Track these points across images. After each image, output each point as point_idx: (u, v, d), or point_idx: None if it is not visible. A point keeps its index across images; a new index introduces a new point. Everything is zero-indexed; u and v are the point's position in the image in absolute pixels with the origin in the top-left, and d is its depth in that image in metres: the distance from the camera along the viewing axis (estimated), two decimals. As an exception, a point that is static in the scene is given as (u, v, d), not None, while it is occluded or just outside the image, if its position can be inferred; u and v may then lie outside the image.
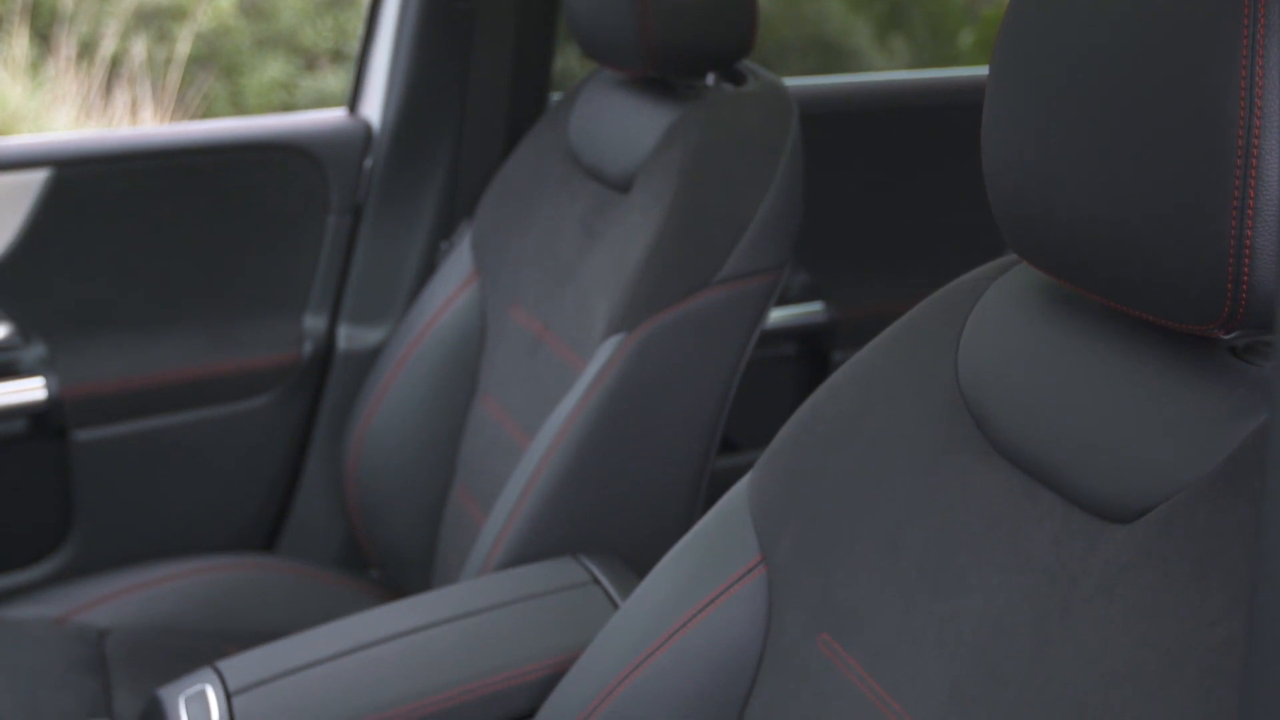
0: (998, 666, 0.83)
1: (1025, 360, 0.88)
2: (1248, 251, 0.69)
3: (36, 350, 1.76)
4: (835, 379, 1.03)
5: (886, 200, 2.23)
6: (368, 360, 1.88)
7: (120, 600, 1.68)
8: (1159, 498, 0.77)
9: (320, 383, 1.93)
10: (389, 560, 1.72)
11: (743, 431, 2.06)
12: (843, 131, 2.16)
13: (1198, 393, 0.78)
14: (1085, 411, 0.82)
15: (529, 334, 1.56)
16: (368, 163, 1.90)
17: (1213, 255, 0.70)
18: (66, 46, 4.21)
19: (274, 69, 4.43)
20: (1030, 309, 0.90)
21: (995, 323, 0.92)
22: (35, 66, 4.25)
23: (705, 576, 1.04)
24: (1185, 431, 0.78)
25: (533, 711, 1.14)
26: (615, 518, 1.37)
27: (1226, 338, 0.74)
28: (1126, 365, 0.82)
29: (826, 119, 2.10)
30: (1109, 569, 0.78)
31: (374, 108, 1.92)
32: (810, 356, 2.22)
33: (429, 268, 1.91)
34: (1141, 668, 0.74)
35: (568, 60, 2.33)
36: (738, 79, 1.52)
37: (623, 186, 1.50)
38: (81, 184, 1.74)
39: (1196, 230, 0.70)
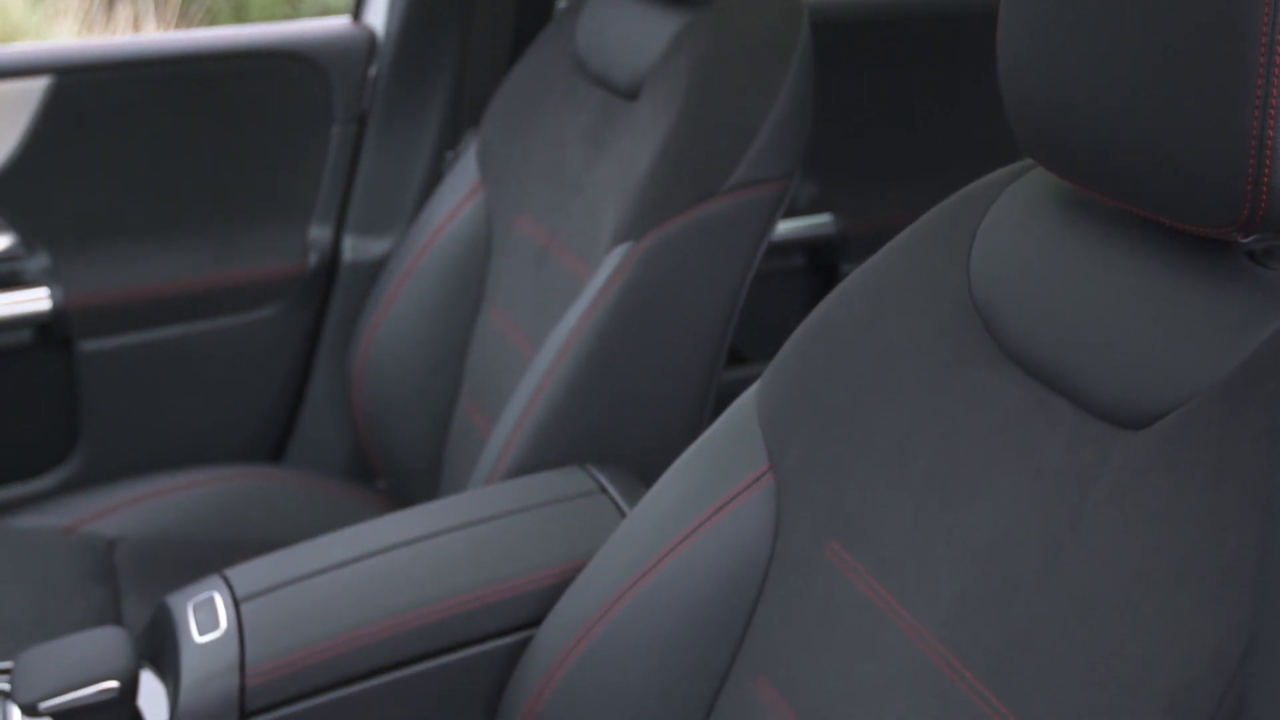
0: (1007, 574, 0.82)
1: (1039, 266, 0.86)
2: (1269, 152, 0.67)
3: (40, 260, 1.75)
4: (845, 286, 1.02)
5: (898, 112, 2.21)
6: (373, 271, 1.87)
7: (128, 510, 1.69)
8: (1173, 403, 0.77)
9: (325, 294, 1.92)
10: (396, 471, 1.72)
11: (750, 344, 2.06)
12: (854, 41, 2.13)
13: (1214, 298, 0.77)
14: (1099, 317, 0.81)
15: (535, 244, 1.54)
16: (372, 71, 1.87)
17: (1233, 155, 0.68)
18: (67, -42, 4.17)
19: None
20: (1044, 214, 0.88)
21: (1009, 228, 0.90)
22: (36, -21, 4.21)
23: (713, 485, 1.04)
24: (1200, 336, 0.77)
25: (540, 619, 1.14)
26: (622, 427, 1.37)
27: (1244, 241, 0.73)
28: (1142, 270, 0.81)
29: (838, 28, 2.07)
30: (1121, 476, 0.78)
31: (378, 15, 1.89)
32: (819, 269, 2.20)
33: (434, 178, 1.89)
34: (1153, 574, 0.74)
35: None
36: (747, -16, 1.49)
37: (630, 94, 1.47)
38: (83, 92, 1.72)
39: (1217, 130, 0.69)
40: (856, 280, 1.01)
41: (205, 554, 1.62)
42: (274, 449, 1.95)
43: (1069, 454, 0.81)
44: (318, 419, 1.93)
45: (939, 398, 0.91)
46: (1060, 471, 0.81)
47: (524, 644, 1.14)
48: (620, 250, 1.34)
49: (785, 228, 2.13)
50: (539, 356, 1.38)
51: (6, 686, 1.15)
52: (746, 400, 1.07)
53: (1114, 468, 0.78)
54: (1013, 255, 0.89)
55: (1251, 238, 0.71)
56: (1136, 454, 0.78)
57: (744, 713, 0.98)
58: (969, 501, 0.86)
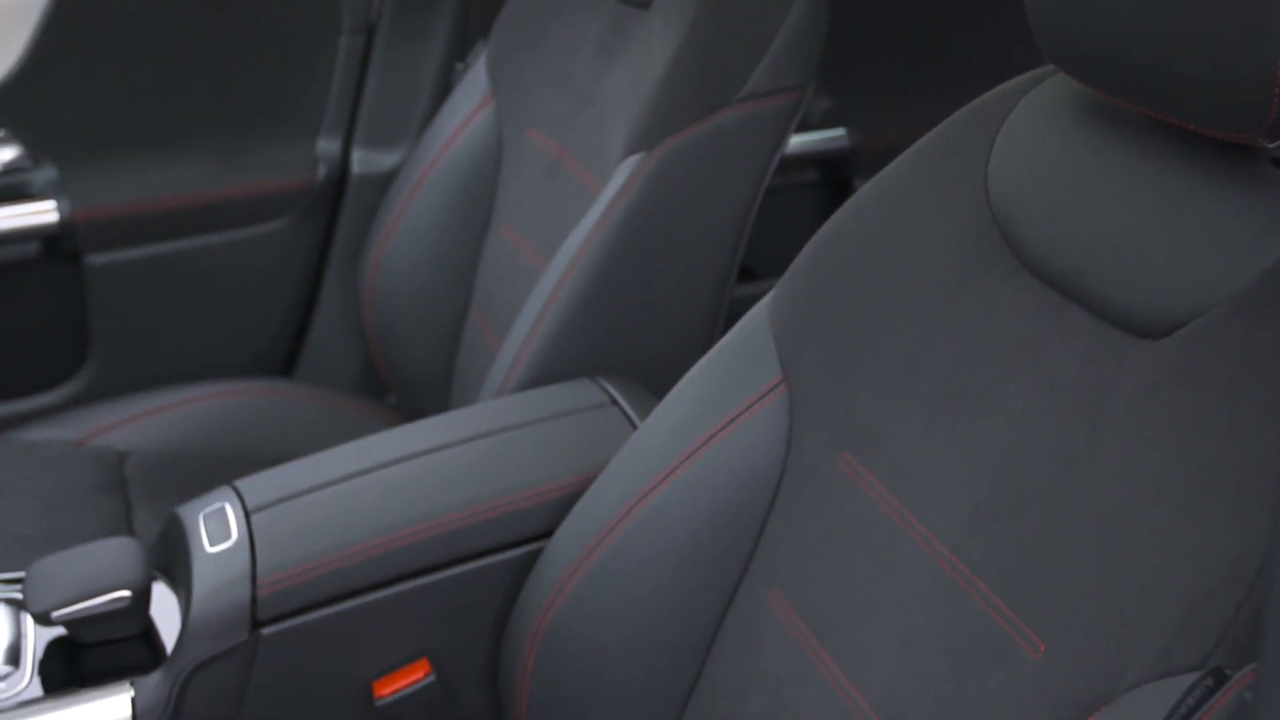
0: (1021, 487, 0.82)
1: (1058, 173, 0.85)
2: (1299, 53, 0.66)
3: (47, 173, 1.73)
4: (860, 195, 1.00)
5: (913, 25, 2.18)
6: (383, 185, 1.86)
7: (138, 424, 1.69)
8: (1192, 313, 0.76)
9: (334, 208, 1.90)
10: (406, 385, 1.71)
11: (762, 261, 2.04)
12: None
13: (1237, 205, 0.76)
14: (1120, 224, 0.80)
15: (546, 156, 1.53)
16: (380, -19, 1.85)
17: (1260, 57, 0.67)
18: None
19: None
20: (1065, 121, 0.87)
21: (1028, 136, 0.89)
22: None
23: (725, 396, 1.03)
24: (1222, 245, 0.75)
25: (551, 531, 1.14)
26: (633, 341, 1.36)
27: (1270, 147, 0.71)
28: (1164, 177, 0.79)
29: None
30: (1139, 387, 0.77)
31: (386, -77, 1.87)
32: (831, 184, 2.18)
33: (444, 90, 1.87)
34: (1171, 487, 0.73)
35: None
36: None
37: (642, 3, 1.45)
38: (89, 2, 1.70)
39: (1244, 31, 0.67)
40: (871, 190, 1.00)
41: (215, 467, 1.62)
42: (284, 364, 1.94)
43: (1085, 365, 0.80)
44: (327, 333, 1.93)
45: (954, 308, 0.90)
46: (1076, 383, 0.80)
47: (534, 556, 1.14)
48: (632, 161, 1.33)
49: (798, 142, 2.10)
50: (549, 269, 1.36)
51: (19, 596, 1.16)
52: (759, 311, 1.06)
53: (1131, 379, 0.77)
54: (1031, 164, 0.88)
55: (1277, 143, 0.70)
56: (1154, 365, 0.77)
57: (755, 624, 0.98)
58: (983, 413, 0.86)
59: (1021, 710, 0.77)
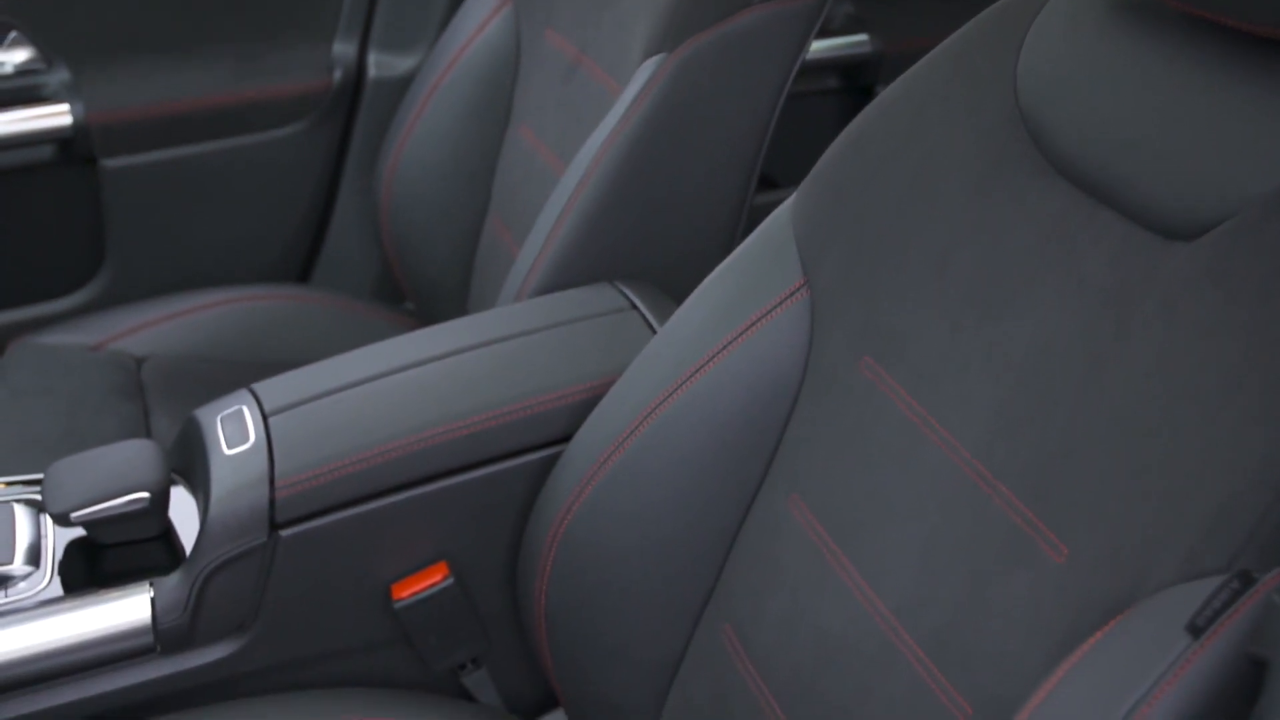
0: (1047, 390, 0.81)
1: (1089, 71, 0.83)
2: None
3: (61, 75, 1.72)
4: (885, 96, 0.99)
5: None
6: (399, 88, 1.84)
7: (156, 329, 1.68)
8: (1225, 213, 0.74)
9: (351, 112, 1.88)
10: (424, 292, 1.70)
11: (783, 169, 2.02)
12: None
13: (1271, 104, 0.74)
14: (1151, 124, 0.78)
15: (564, 58, 1.51)
16: (395, -122, 1.82)
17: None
18: None
19: None
20: (1095, 19, 0.85)
21: (1058, 33, 0.87)
22: None
23: (746, 300, 1.02)
24: (1255, 144, 0.74)
25: (569, 435, 1.13)
26: (653, 245, 1.34)
27: (1311, 41, 0.70)
28: (1197, 75, 0.77)
29: None
30: (1169, 288, 0.76)
31: None
32: (853, 90, 2.15)
33: (461, -9, 1.84)
34: (1200, 388, 0.72)
35: None
36: None
37: (663, -100, 1.42)
38: None
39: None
40: (897, 89, 0.98)
41: (233, 373, 1.62)
42: (301, 269, 1.93)
43: (1115, 266, 0.79)
44: (344, 239, 1.92)
45: (980, 210, 0.88)
46: (1105, 284, 0.79)
47: (553, 460, 1.13)
48: (652, 63, 1.31)
49: (819, 47, 2.07)
50: (568, 173, 1.35)
51: (38, 497, 1.16)
52: (781, 214, 1.05)
53: (1162, 280, 0.76)
54: (1061, 62, 0.86)
55: (1318, 37, 0.68)
56: (1185, 265, 0.75)
57: (774, 529, 0.98)
58: (1009, 316, 0.84)
59: (1043, 614, 0.77)
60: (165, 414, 1.55)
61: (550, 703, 1.26)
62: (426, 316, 1.73)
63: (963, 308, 0.88)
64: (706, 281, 1.09)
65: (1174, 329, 0.74)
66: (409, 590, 1.14)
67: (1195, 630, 0.66)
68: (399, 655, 1.17)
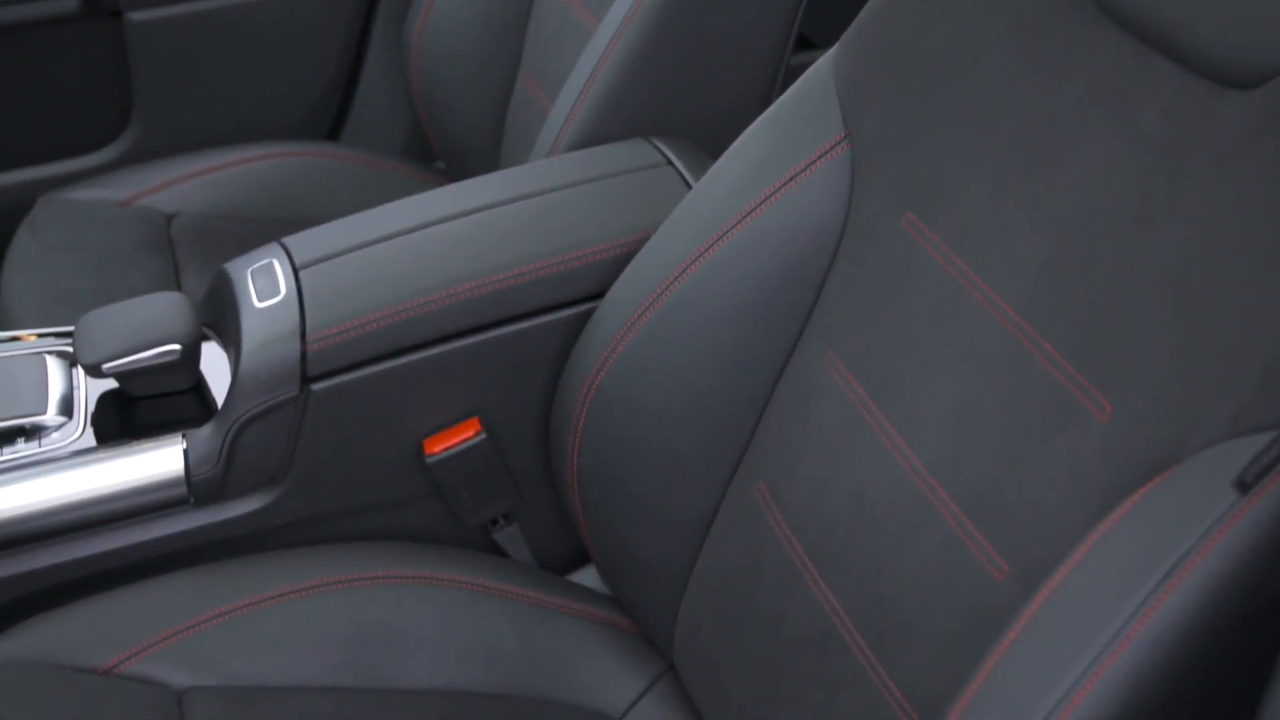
0: (1095, 245, 0.79)
1: (1150, -88, 0.80)
2: None
3: (85, -75, 1.69)
4: (933, -58, 0.95)
5: None
6: None
7: (185, 185, 1.67)
8: (1288, 60, 0.71)
9: (381, -36, 1.85)
10: (455, 150, 1.68)
11: (820, 29, 1.98)
12: None
13: (1342, -54, 0.71)
14: (1214, -34, 0.75)
15: (599, -91, 1.46)
16: None
17: None
18: None
19: None
20: None
21: (1117, -128, 0.83)
22: None
23: (785, 154, 1.00)
24: (1325, -13, 0.71)
25: (603, 291, 1.12)
26: (688, 101, 1.31)
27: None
28: (1264, -85, 0.74)
29: None
30: (1226, 138, 0.73)
31: None
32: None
33: None
34: (1255, 241, 0.70)
35: None
36: None
37: None
38: None
39: None
40: (945, -65, 0.95)
41: (262, 229, 1.61)
42: (330, 127, 1.91)
43: (1170, 117, 0.77)
44: (374, 96, 1.89)
45: (1028, 60, 0.86)
46: (1159, 135, 0.77)
47: (586, 316, 1.12)
48: (689, -86, 1.27)
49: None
50: (602, 27, 1.32)
51: (70, 349, 1.16)
52: (822, 67, 1.02)
53: (1219, 130, 0.74)
54: (1119, -96, 0.82)
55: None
56: (1244, 115, 0.73)
57: (810, 386, 0.97)
58: (1057, 169, 0.82)
59: (1084, 472, 0.75)
60: (195, 271, 1.54)
61: (581, 559, 1.26)
62: (457, 175, 1.71)
63: (1009, 161, 0.85)
64: (744, 136, 1.06)
65: (1231, 179, 0.72)
66: (441, 445, 1.13)
67: (1243, 486, 0.65)
68: (431, 511, 1.18)
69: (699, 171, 1.20)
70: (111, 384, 1.13)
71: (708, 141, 1.30)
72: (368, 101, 1.90)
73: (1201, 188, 0.73)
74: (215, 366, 1.14)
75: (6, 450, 1.07)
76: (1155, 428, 0.72)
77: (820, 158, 0.98)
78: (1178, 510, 0.67)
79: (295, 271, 1.12)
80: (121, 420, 1.11)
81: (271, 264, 1.14)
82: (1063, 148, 0.82)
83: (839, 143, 0.97)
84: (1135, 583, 0.65)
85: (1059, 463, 0.77)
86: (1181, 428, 0.71)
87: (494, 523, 1.20)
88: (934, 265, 0.89)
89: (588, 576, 1.25)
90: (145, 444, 1.08)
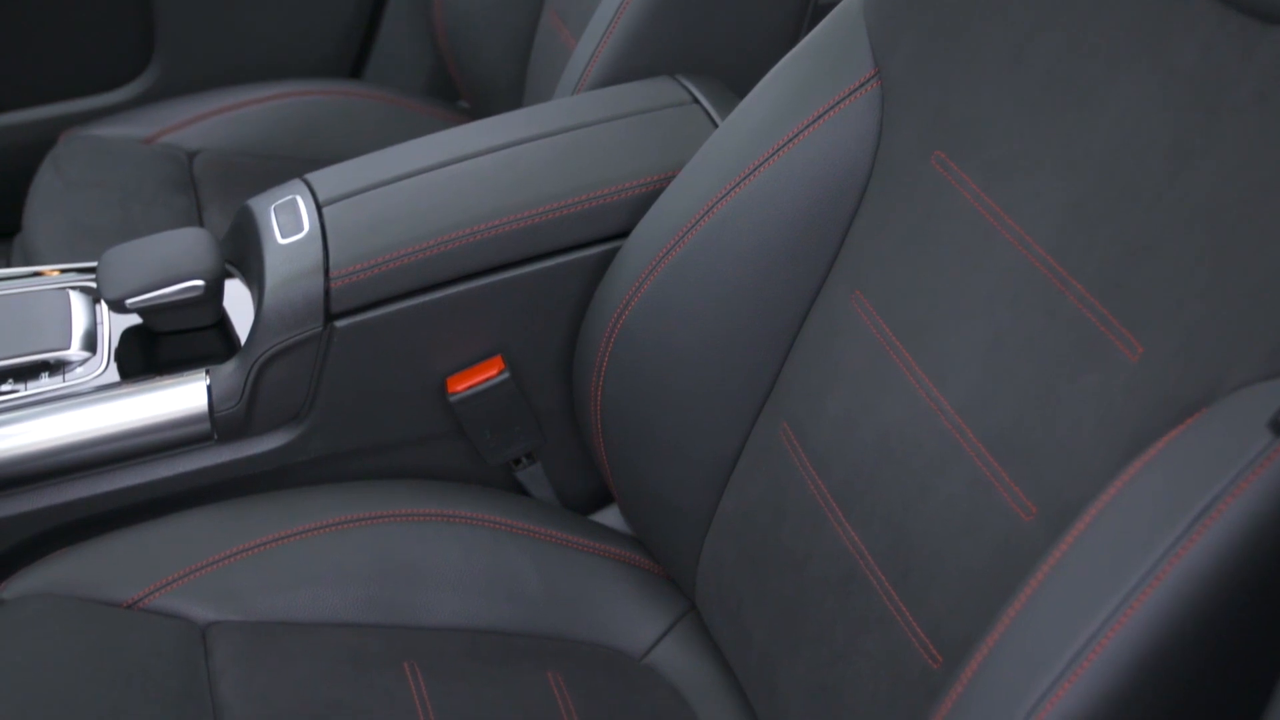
0: (1128, 183, 0.77)
1: None
2: None
3: None
4: (967, -126, 0.93)
5: None
6: None
7: (208, 122, 1.66)
8: (1331, -5, 0.70)
9: (405, -101, 1.83)
10: (478, 88, 1.67)
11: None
12: None
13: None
14: (1256, -102, 0.74)
15: None
16: None
17: None
18: None
19: None
20: None
21: None
22: None
23: (814, 91, 0.99)
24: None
25: (628, 230, 1.11)
26: (715, 39, 1.30)
27: None
28: None
29: None
30: (1266, 74, 0.72)
31: None
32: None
33: None
34: (1292, 179, 0.69)
35: None
36: None
37: None
38: None
39: None
40: None
41: (285, 167, 1.60)
42: (353, 65, 1.90)
43: (1207, 54, 0.75)
44: (398, 35, 1.88)
45: (1064, -4, 0.84)
46: (1196, 72, 0.75)
47: (610, 255, 1.11)
48: None
49: None
50: (629, -37, 1.30)
51: (93, 285, 1.16)
52: (852, 2, 1.00)
53: (1258, 66, 0.72)
54: None
55: None
56: (1284, 51, 0.71)
57: (835, 326, 0.96)
58: (1090, 106, 0.81)
59: (1115, 413, 0.75)
60: (218, 208, 1.54)
61: (603, 499, 1.26)
62: (480, 113, 1.69)
63: (1041, 98, 0.84)
64: (772, 73, 1.05)
65: (1268, 117, 0.71)
66: (464, 384, 1.13)
67: (1277, 427, 0.64)
68: (454, 449, 1.18)
69: (725, 109, 1.19)
70: (135, 319, 1.12)
71: (735, 79, 1.28)
72: (390, 39, 1.89)
73: (1238, 124, 0.72)
74: (238, 303, 1.14)
75: (30, 385, 1.07)
76: (1187, 368, 0.71)
77: (849, 96, 0.97)
78: (1210, 451, 0.66)
79: (319, 208, 1.12)
80: (145, 356, 1.11)
81: (295, 200, 1.13)
82: (1096, 86, 0.81)
83: (868, 80, 0.96)
84: (1166, 523, 0.65)
85: (1088, 403, 0.76)
86: (1215, 368, 0.70)
87: (516, 462, 1.20)
88: (963, 204, 0.88)
89: (610, 516, 1.25)
90: (168, 380, 1.08)
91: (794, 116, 0.99)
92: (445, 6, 1.66)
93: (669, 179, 1.10)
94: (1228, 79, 0.73)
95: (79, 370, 1.08)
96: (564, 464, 1.21)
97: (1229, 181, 0.72)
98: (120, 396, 1.07)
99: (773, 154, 0.99)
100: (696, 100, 1.22)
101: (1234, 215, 0.71)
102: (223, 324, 1.13)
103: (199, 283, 1.07)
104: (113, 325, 1.13)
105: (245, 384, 1.08)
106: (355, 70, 1.91)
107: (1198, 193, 0.73)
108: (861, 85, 0.96)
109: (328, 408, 1.11)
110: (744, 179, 1.00)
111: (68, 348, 1.09)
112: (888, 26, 0.96)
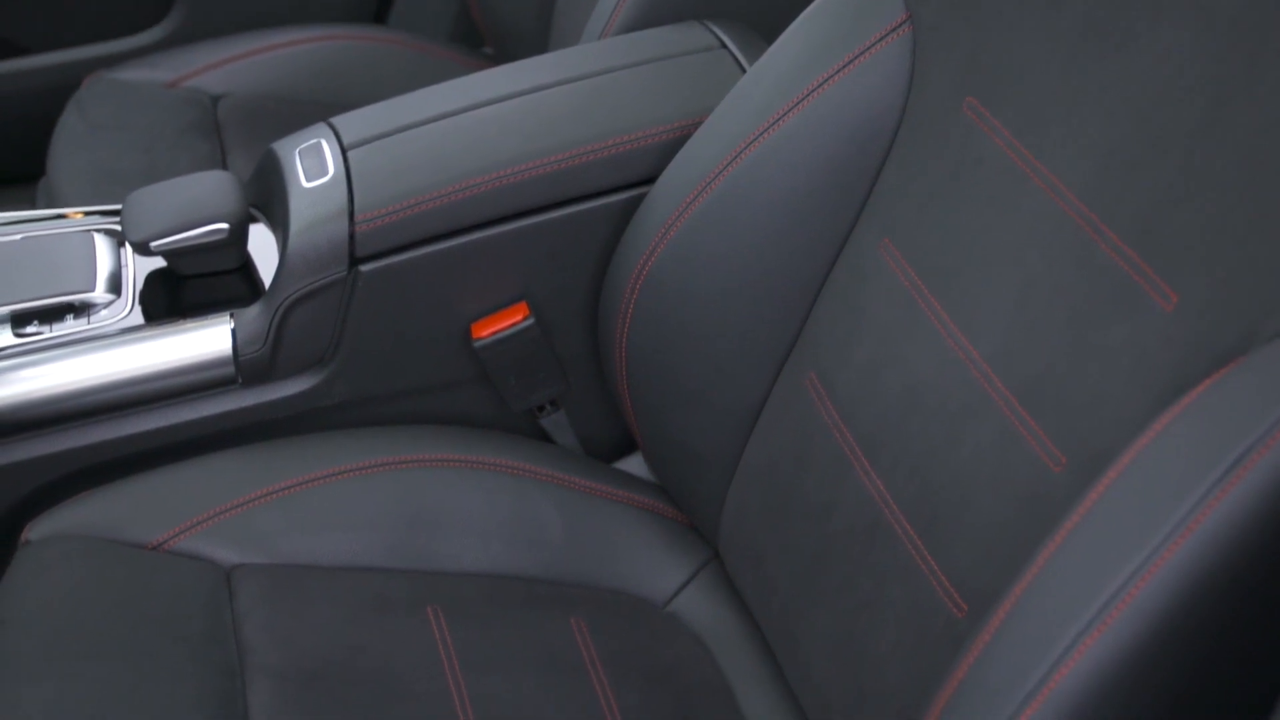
0: (1165, 129, 0.76)
1: None
2: None
3: None
4: None
5: None
6: None
7: (232, 66, 1.66)
8: (1377, -63, 0.69)
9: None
10: (503, 34, 1.66)
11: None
12: None
13: None
14: None
15: None
16: None
17: None
18: None
19: None
20: None
21: None
22: None
23: (844, 36, 0.98)
24: None
25: (655, 176, 1.10)
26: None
27: None
28: None
29: None
30: (1308, 18, 0.70)
31: None
32: None
33: None
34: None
35: None
36: None
37: None
38: None
39: None
40: None
41: (309, 112, 1.58)
42: (377, 10, 1.89)
43: (1248, -3, 0.74)
44: (421, -22, 1.87)
45: (1101, -61, 0.83)
46: (1236, 15, 0.74)
47: (637, 201, 1.10)
48: None
49: None
50: (656, -94, 1.29)
51: (118, 228, 1.15)
52: (884, -55, 0.99)
53: (1300, 10, 0.71)
54: None
55: None
56: (1328, -5, 0.70)
57: (864, 274, 0.95)
58: (1127, 51, 0.80)
59: (1147, 363, 0.74)
60: (242, 153, 1.53)
61: (628, 447, 1.26)
62: (505, 60, 1.68)
63: (1077, 43, 0.83)
64: (802, 17, 1.04)
65: (1310, 63, 0.70)
66: (489, 329, 1.13)
67: (1314, 377, 0.63)
68: (478, 395, 1.17)
69: (754, 55, 1.18)
70: (159, 262, 1.12)
71: (763, 24, 1.27)
72: (415, -17, 1.88)
73: (1279, 70, 0.71)
74: (263, 247, 1.14)
75: (55, 327, 1.07)
76: (1222, 318, 0.70)
77: (880, 40, 0.95)
78: (1244, 402, 0.65)
79: (344, 151, 1.11)
80: (169, 299, 1.11)
81: (319, 144, 1.13)
82: (1134, 28, 0.80)
83: (900, 25, 0.95)
84: (1198, 475, 0.64)
85: (1121, 354, 0.76)
86: (1250, 318, 0.69)
87: (541, 409, 1.19)
88: (995, 150, 0.87)
89: (634, 464, 1.24)
90: (193, 323, 1.08)
91: (823, 62, 0.97)
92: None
93: (696, 125, 1.09)
94: (1269, 24, 0.72)
95: (104, 313, 1.08)
96: (588, 411, 1.21)
97: (1268, 129, 0.71)
98: (145, 339, 1.07)
99: (801, 100, 0.97)
100: (724, 45, 1.21)
101: (1272, 163, 0.70)
102: (247, 268, 1.13)
103: (223, 225, 1.07)
104: (137, 268, 1.13)
105: (270, 328, 1.07)
106: (379, 15, 1.90)
107: (1237, 139, 0.72)
108: (892, 30, 0.95)
109: (352, 352, 1.10)
110: (772, 125, 0.99)
111: (92, 290, 1.09)
112: (920, -30, 0.95)
